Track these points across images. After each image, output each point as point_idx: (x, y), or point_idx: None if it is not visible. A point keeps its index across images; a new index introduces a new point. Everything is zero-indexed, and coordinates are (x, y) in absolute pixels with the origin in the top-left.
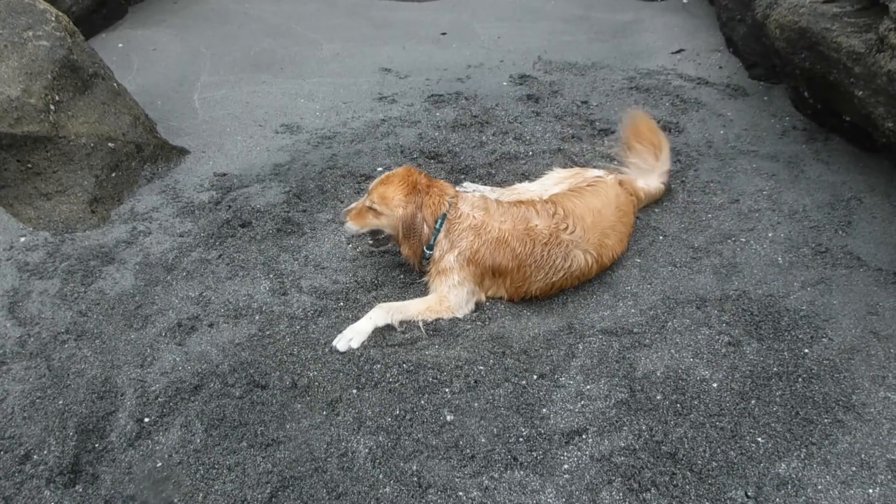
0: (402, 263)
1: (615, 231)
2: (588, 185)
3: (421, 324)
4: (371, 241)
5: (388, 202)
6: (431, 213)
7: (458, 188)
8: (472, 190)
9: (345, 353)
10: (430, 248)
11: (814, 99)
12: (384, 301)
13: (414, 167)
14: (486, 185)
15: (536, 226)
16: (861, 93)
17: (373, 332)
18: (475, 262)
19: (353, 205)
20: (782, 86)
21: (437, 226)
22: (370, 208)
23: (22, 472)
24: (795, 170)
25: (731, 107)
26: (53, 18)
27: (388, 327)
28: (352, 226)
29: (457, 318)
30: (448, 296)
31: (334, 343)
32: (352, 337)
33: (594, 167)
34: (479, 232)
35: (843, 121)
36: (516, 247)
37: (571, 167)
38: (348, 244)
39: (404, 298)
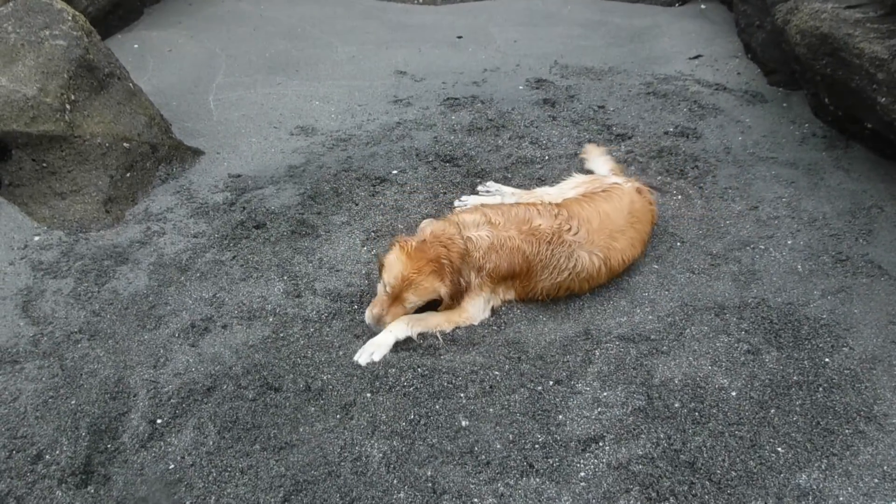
0: None
1: (625, 235)
2: (602, 191)
3: (439, 335)
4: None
5: (433, 292)
6: (462, 262)
7: (480, 188)
8: (494, 190)
9: (366, 366)
10: None
11: (834, 106)
12: None
13: (404, 244)
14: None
15: (540, 225)
16: (884, 99)
17: (394, 344)
18: (493, 275)
19: (377, 309)
20: (802, 92)
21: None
22: (412, 306)
23: (34, 471)
24: (815, 177)
25: (749, 113)
26: (70, 18)
27: (408, 339)
28: (397, 325)
29: (473, 325)
30: (467, 307)
31: (355, 358)
32: (373, 350)
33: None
34: (498, 249)
35: (864, 128)
36: (526, 249)
37: (591, 173)
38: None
39: None
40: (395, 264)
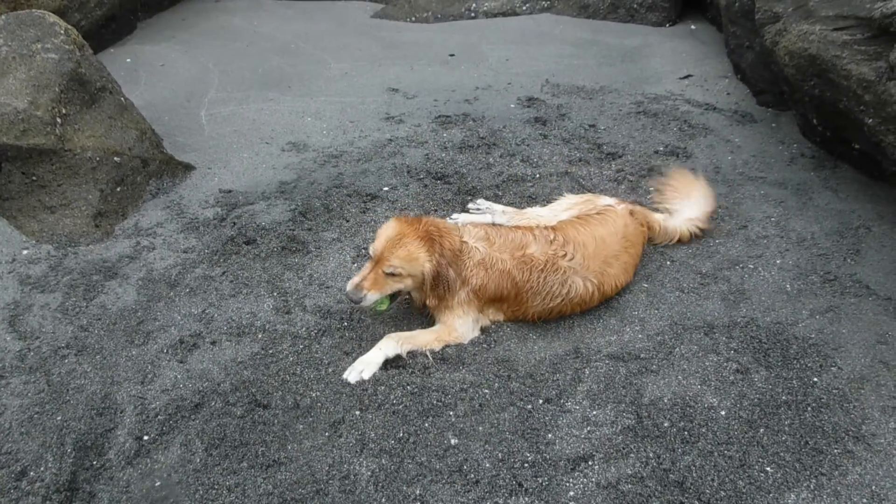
0: None
1: (619, 260)
2: (597, 213)
3: (429, 353)
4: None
5: (415, 261)
6: (453, 256)
7: (471, 206)
8: (485, 208)
9: (356, 384)
10: None
11: (823, 126)
12: (388, 322)
13: (400, 217)
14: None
15: (533, 253)
16: (871, 121)
17: (383, 362)
18: (479, 294)
19: (357, 277)
20: (790, 113)
21: None
22: (391, 274)
23: (18, 488)
24: (804, 197)
25: (738, 133)
26: (62, 32)
27: (397, 357)
28: (374, 295)
29: (463, 344)
30: (456, 326)
31: (345, 375)
32: (362, 368)
33: (605, 194)
34: (487, 267)
35: (852, 148)
36: (516, 275)
37: (583, 193)
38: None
39: (407, 318)
40: (384, 230)
